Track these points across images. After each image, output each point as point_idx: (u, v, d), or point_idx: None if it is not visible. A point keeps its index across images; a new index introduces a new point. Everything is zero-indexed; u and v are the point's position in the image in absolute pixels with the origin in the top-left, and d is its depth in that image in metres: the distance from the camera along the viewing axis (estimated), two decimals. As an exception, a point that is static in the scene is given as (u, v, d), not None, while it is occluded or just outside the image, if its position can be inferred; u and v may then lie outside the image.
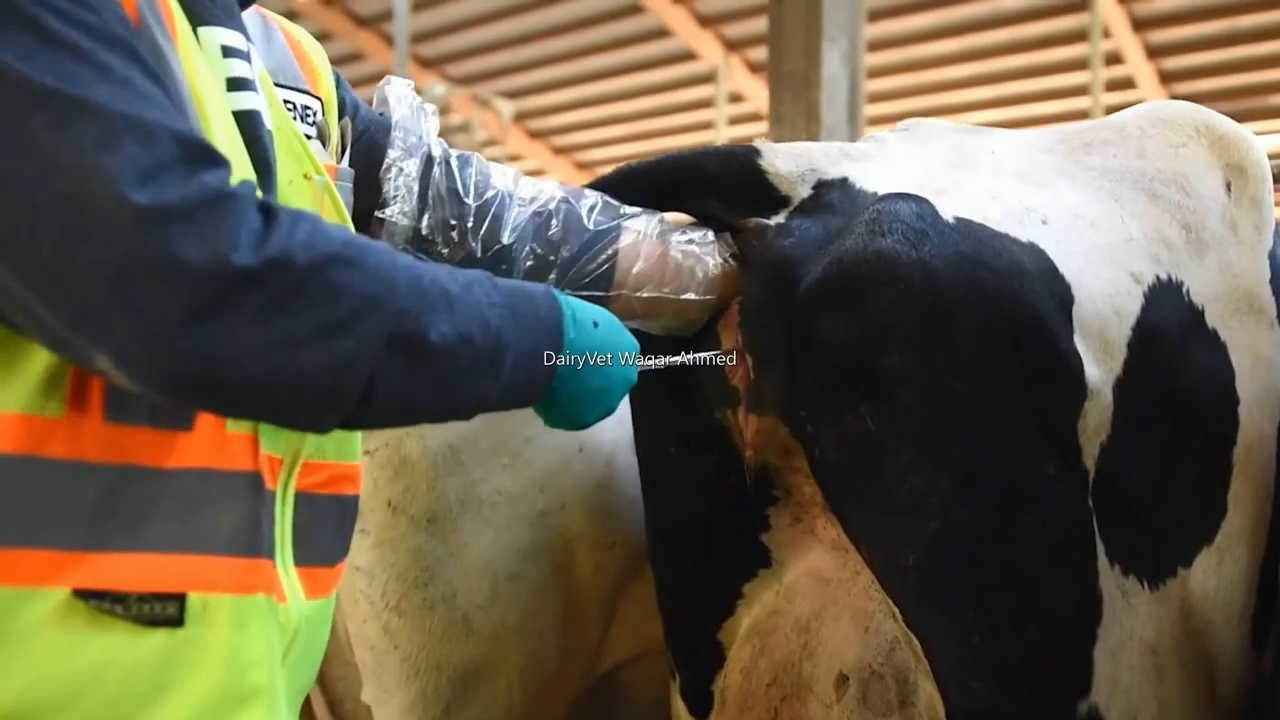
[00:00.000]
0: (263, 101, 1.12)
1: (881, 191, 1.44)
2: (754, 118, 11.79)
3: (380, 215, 1.34)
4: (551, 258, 1.44)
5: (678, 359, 1.44)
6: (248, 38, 1.14)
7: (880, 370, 1.35)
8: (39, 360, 0.94)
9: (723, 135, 11.31)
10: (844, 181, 1.48)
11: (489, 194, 1.43)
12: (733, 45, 11.38)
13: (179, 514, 0.97)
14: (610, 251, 1.47)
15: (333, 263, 0.93)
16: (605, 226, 1.48)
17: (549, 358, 1.13)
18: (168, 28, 1.00)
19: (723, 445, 1.55)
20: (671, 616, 1.71)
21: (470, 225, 1.39)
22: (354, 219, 1.28)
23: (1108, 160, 1.57)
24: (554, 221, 1.46)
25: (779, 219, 1.50)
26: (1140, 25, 10.06)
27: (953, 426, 1.37)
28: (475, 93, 12.10)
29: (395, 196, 1.35)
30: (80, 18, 0.90)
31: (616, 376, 1.21)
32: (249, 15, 1.23)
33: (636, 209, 1.53)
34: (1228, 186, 1.57)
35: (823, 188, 1.49)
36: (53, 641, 0.92)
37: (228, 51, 1.10)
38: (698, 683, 1.67)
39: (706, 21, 11.20)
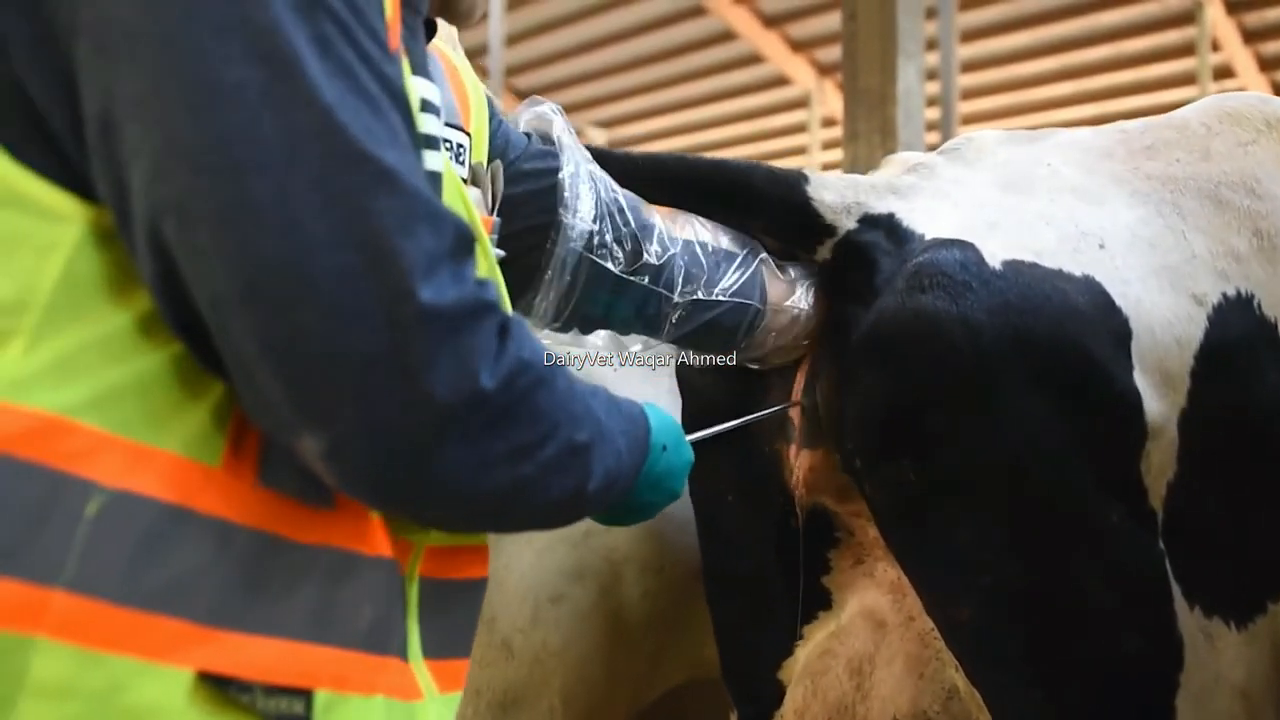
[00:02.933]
0: (442, 161, 1.05)
1: (928, 234, 1.39)
2: (848, 142, 11.66)
3: (564, 218, 1.31)
4: (698, 271, 1.42)
5: (744, 420, 1.46)
6: (439, 88, 1.08)
7: (922, 430, 1.32)
8: (209, 397, 0.85)
9: (816, 160, 11.23)
10: (890, 218, 1.43)
11: (636, 207, 1.41)
12: (825, 69, 11.31)
13: (319, 597, 0.88)
14: (756, 261, 1.45)
15: (539, 384, 0.90)
16: (739, 241, 1.47)
17: (633, 481, 1.11)
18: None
19: (783, 492, 1.52)
20: (728, 655, 1.67)
21: (637, 234, 1.38)
22: (512, 238, 1.29)
23: (1170, 166, 1.49)
24: (696, 236, 1.44)
25: (825, 253, 1.46)
26: (1252, 37, 9.71)
27: (1000, 484, 1.31)
28: (569, 122, 12.21)
29: (575, 199, 1.31)
30: (381, 69, 0.83)
31: (665, 494, 1.19)
32: None
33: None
34: None
35: (867, 223, 1.44)
36: None
37: (425, 106, 1.03)
38: (756, 719, 1.62)
39: (799, 46, 11.16)
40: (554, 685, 1.74)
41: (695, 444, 1.34)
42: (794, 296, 1.46)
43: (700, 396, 1.61)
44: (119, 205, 0.80)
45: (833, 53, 10.88)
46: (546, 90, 12.81)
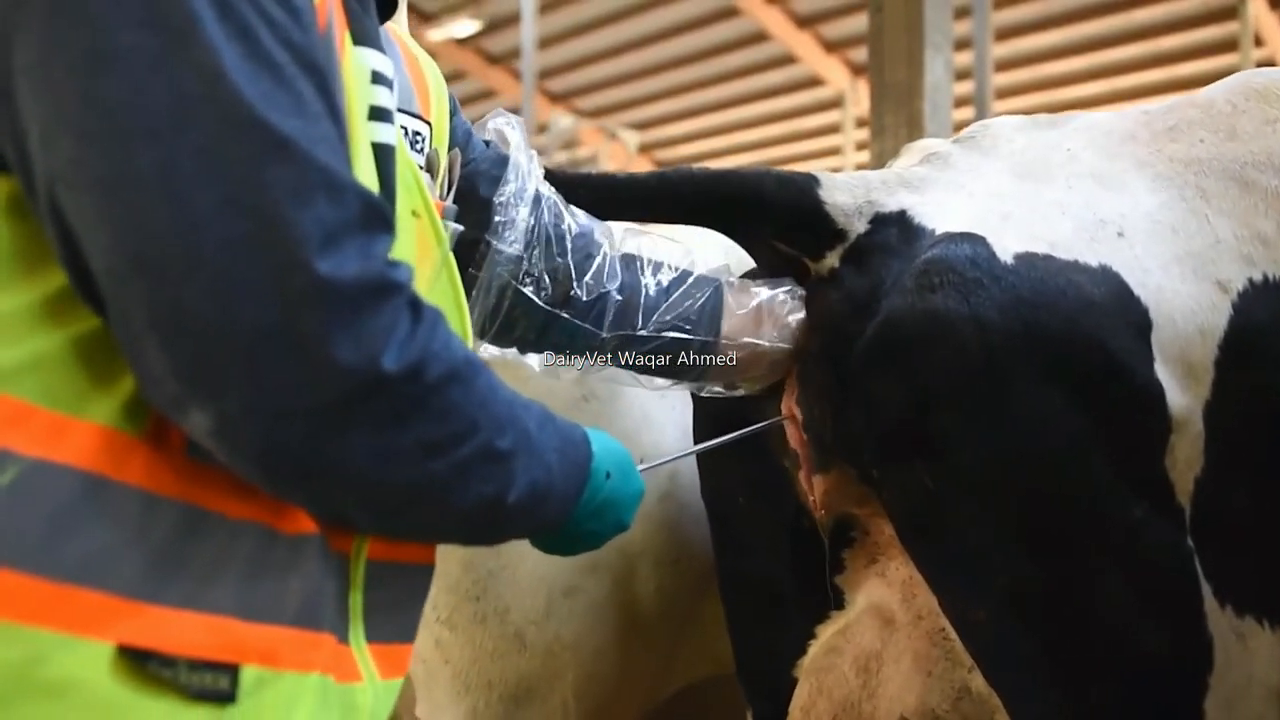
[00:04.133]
0: (395, 134, 1.02)
1: (940, 228, 1.36)
2: (883, 142, 11.61)
3: (492, 241, 1.28)
4: (639, 300, 1.38)
5: (729, 437, 1.43)
6: (393, 62, 1.05)
7: (935, 432, 1.28)
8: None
9: (850, 160, 11.20)
10: (902, 215, 1.40)
11: (584, 235, 1.38)
12: (859, 70, 11.28)
13: (246, 571, 0.85)
14: (709, 291, 1.41)
15: (453, 379, 0.87)
16: (689, 270, 1.43)
17: (570, 505, 1.07)
18: (338, 45, 0.91)
19: (795, 493, 1.49)
20: (743, 654, 1.65)
21: (571, 266, 1.34)
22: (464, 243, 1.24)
23: (1193, 147, 1.44)
24: (644, 265, 1.41)
25: (833, 260, 1.42)
26: (1294, 32, 9.57)
27: (1017, 484, 1.27)
28: (602, 125, 12.24)
29: (508, 225, 1.29)
30: (290, 36, 0.80)
31: (610, 525, 1.14)
32: None
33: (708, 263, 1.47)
34: None
35: (879, 223, 1.40)
36: (85, 704, 0.77)
37: (376, 77, 0.99)
38: (773, 716, 1.59)
39: (832, 47, 11.13)
40: (567, 679, 1.73)
41: (669, 462, 1.32)
42: (760, 330, 1.41)
43: (709, 405, 1.59)
44: (24, 175, 0.79)
45: (866, 53, 10.83)
46: (580, 93, 12.83)
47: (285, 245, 0.77)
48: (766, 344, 1.41)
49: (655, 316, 1.37)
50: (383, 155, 0.98)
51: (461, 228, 1.21)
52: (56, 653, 0.77)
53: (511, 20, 10.58)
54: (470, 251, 1.28)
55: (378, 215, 0.84)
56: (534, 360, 1.41)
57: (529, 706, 1.71)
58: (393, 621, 1.02)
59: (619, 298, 1.36)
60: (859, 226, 1.41)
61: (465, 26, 12.29)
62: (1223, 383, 1.31)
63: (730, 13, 10.83)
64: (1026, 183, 1.44)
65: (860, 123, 11.54)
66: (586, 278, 1.34)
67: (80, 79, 0.75)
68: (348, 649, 0.96)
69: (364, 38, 1.00)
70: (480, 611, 1.68)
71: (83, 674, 0.77)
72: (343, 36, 0.94)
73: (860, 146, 11.62)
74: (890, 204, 1.42)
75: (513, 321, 1.33)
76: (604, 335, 1.36)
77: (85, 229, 0.77)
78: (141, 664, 0.79)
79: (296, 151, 0.78)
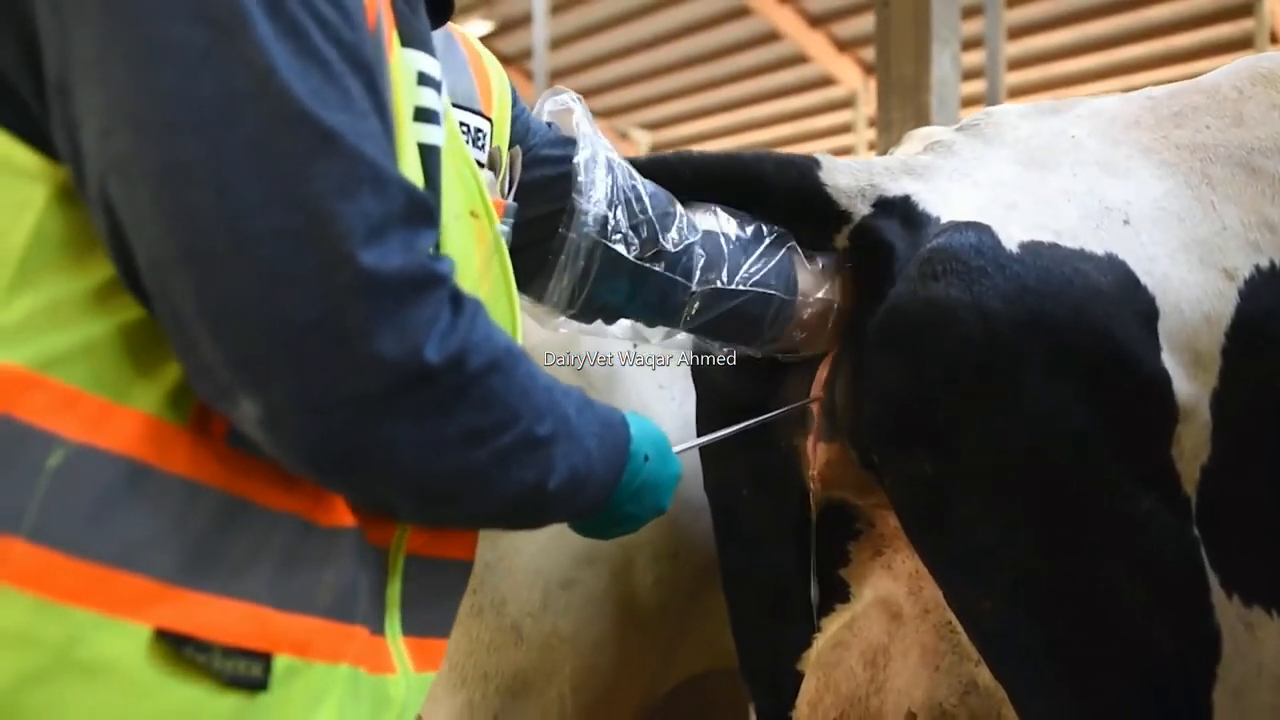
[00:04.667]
0: (443, 135, 1.04)
1: (945, 216, 1.35)
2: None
3: (577, 202, 1.28)
4: (723, 254, 1.39)
5: (741, 425, 1.43)
6: (439, 63, 1.07)
7: (938, 421, 1.27)
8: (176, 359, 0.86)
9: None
10: (905, 201, 1.38)
11: (657, 195, 1.38)
12: (871, 69, 11.22)
13: (282, 562, 0.87)
14: (784, 249, 1.42)
15: (494, 369, 0.89)
16: (766, 231, 1.43)
17: (609, 489, 1.09)
18: (387, 45, 0.93)
19: (800, 485, 1.48)
20: (746, 649, 1.64)
21: (654, 221, 1.35)
22: (529, 224, 1.28)
23: (1199, 134, 1.42)
24: (720, 223, 1.42)
25: (842, 241, 1.42)
26: (1310, 30, 9.50)
27: (1021, 475, 1.26)
28: (614, 125, 12.24)
29: (590, 185, 1.29)
30: (339, 34, 0.82)
31: (648, 508, 1.17)
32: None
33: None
34: None
35: (882, 206, 1.39)
36: (121, 685, 0.79)
37: (423, 79, 1.02)
38: (776, 712, 1.59)
39: (844, 46, 11.11)
40: (564, 672, 1.71)
41: (706, 444, 1.32)
42: (825, 288, 1.43)
43: (716, 395, 1.58)
44: (76, 166, 0.81)
45: (877, 51, 10.81)
46: (591, 93, 12.83)
47: (331, 238, 0.78)
48: (837, 300, 1.43)
49: (741, 271, 1.38)
50: (428, 155, 1.00)
51: (508, 229, 1.23)
52: (95, 633, 0.79)
53: (523, 21, 10.59)
54: (550, 224, 1.29)
55: (422, 209, 0.85)
56: (618, 330, 1.43)
57: (526, 699, 1.70)
58: (429, 615, 1.04)
59: (702, 252, 1.36)
60: (862, 208, 1.40)
61: (478, 27, 12.33)
62: (1230, 371, 1.29)
63: (742, 12, 10.82)
64: (1031, 170, 1.42)
65: (872, 122, 11.50)
66: (671, 232, 1.35)
67: (135, 72, 0.76)
68: (383, 640, 0.97)
69: (412, 39, 1.01)
70: (477, 604, 1.67)
71: (120, 655, 0.79)
72: (391, 37, 0.95)
73: (873, 146, 11.59)
74: (894, 189, 1.40)
75: (604, 284, 1.33)
76: (694, 286, 1.36)
77: (136, 220, 0.78)
78: (177, 648, 0.81)
79: (343, 146, 0.80)
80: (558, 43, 11.05)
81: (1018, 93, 10.13)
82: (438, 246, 1.00)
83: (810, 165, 1.43)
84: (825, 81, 11.55)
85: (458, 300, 0.87)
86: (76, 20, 0.77)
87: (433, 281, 0.84)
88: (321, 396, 0.80)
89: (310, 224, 0.78)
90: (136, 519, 0.81)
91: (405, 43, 1.00)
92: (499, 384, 0.89)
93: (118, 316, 0.83)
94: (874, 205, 1.40)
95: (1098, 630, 1.28)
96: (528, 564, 1.68)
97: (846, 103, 11.66)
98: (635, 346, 1.78)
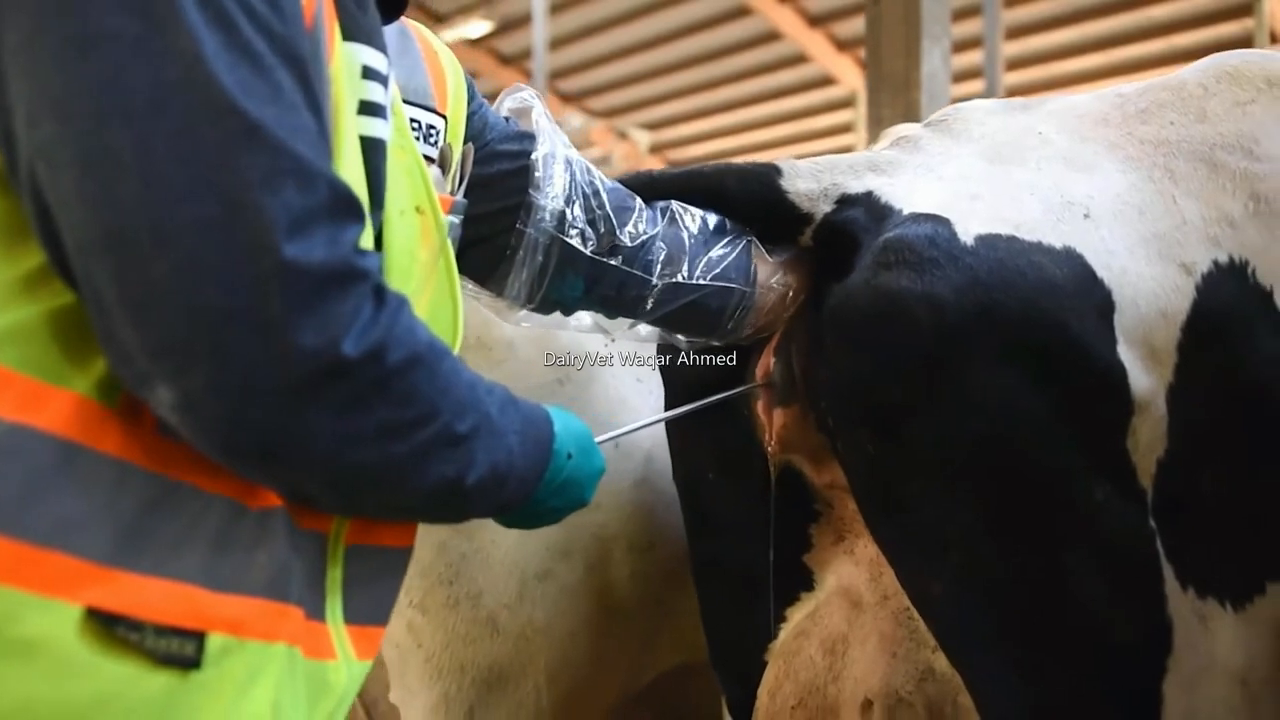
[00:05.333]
0: (389, 129, 1.05)
1: (907, 209, 1.36)
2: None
3: (534, 198, 1.31)
4: (683, 247, 1.41)
5: (713, 399, 1.46)
6: (388, 58, 1.08)
7: (884, 407, 1.30)
8: None
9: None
10: (868, 196, 1.40)
11: (616, 190, 1.40)
12: (871, 68, 11.23)
13: (215, 542, 0.88)
14: (743, 243, 1.44)
15: (414, 364, 0.90)
16: (725, 224, 1.46)
17: (532, 485, 1.10)
18: (328, 40, 0.94)
19: (763, 466, 1.50)
20: (715, 637, 1.66)
21: (612, 217, 1.37)
22: (485, 217, 1.29)
23: (1163, 129, 1.43)
24: (680, 218, 1.43)
25: (807, 240, 1.44)
26: (1309, 29, 9.49)
27: (968, 462, 1.27)
28: (614, 125, 12.24)
29: (546, 181, 1.31)
30: (270, 27, 0.83)
31: (571, 501, 1.18)
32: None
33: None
34: None
35: (845, 203, 1.41)
36: (52, 663, 0.80)
37: (367, 73, 1.02)
38: (746, 701, 1.60)
39: (844, 46, 11.10)
40: (540, 664, 1.72)
41: (624, 434, 1.34)
42: (780, 274, 1.45)
43: (683, 387, 1.59)
44: (8, 152, 0.82)
45: (876, 51, 10.80)
46: (591, 94, 12.83)
47: (253, 228, 0.79)
48: (793, 283, 1.45)
49: (700, 265, 1.39)
50: (372, 149, 1.01)
51: (457, 220, 1.23)
52: (26, 612, 0.79)
53: (523, 21, 10.60)
54: (507, 218, 1.31)
55: (348, 204, 0.86)
56: (582, 320, 1.44)
57: (501, 691, 1.71)
58: (369, 602, 1.05)
59: (663, 245, 1.38)
60: (824, 207, 1.42)
61: (477, 27, 12.33)
62: (1185, 365, 1.30)
63: (742, 12, 10.82)
64: (996, 165, 1.43)
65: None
66: (628, 226, 1.36)
67: (64, 61, 0.78)
68: (324, 626, 0.98)
69: (356, 33, 1.02)
70: (453, 596, 1.68)
71: (51, 634, 0.80)
72: (332, 30, 0.96)
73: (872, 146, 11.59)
74: (856, 186, 1.42)
75: (561, 278, 1.34)
76: (654, 281, 1.38)
77: (62, 206, 0.79)
78: (109, 627, 0.82)
79: (269, 138, 0.81)
80: (557, 43, 11.05)
81: (1017, 92, 10.12)
82: (376, 241, 1.01)
83: (771, 174, 1.44)
84: (825, 81, 11.54)
85: (380, 295, 0.87)
86: (9, 8, 0.79)
87: (354, 275, 0.84)
88: (239, 385, 0.81)
89: (233, 214, 0.79)
90: (68, 499, 0.81)
91: (348, 36, 1.00)
92: (419, 379, 0.90)
93: (50, 302, 0.84)
94: (836, 203, 1.41)
95: (1047, 617, 1.29)
96: (504, 556, 1.70)
97: (847, 102, 11.66)
98: (612, 340, 1.80)
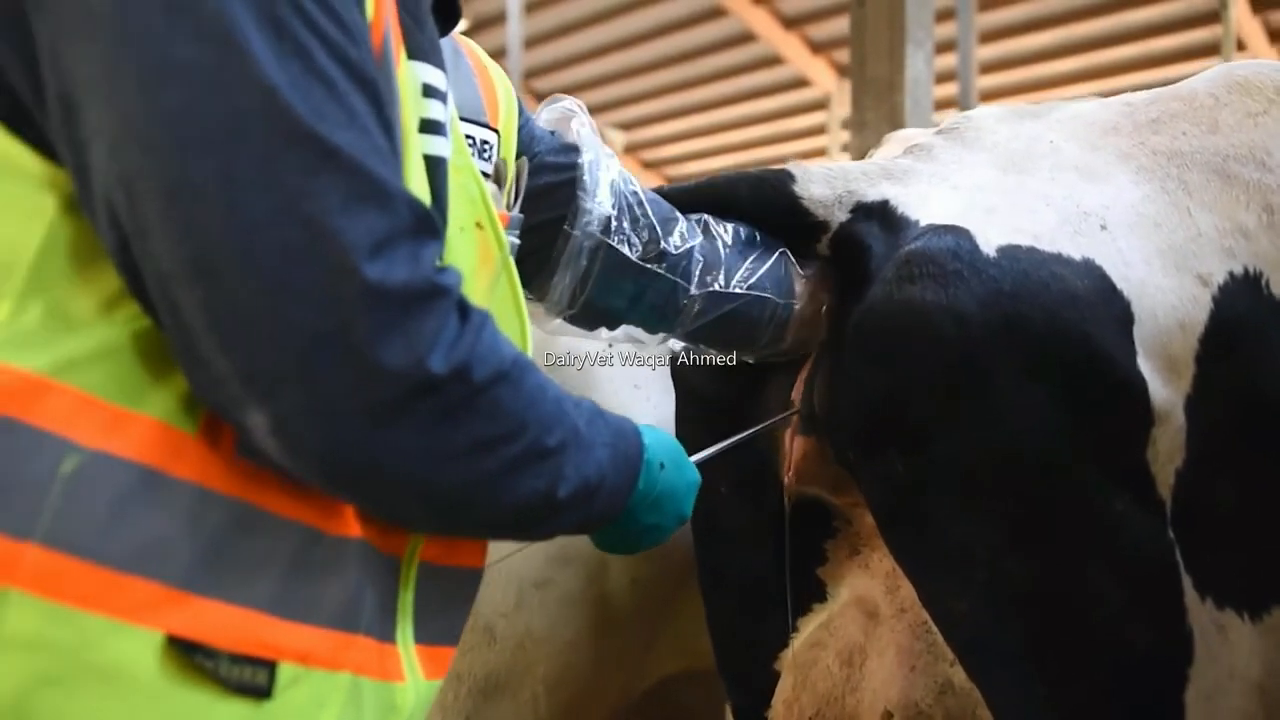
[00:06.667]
0: (450, 147, 1.05)
1: (924, 219, 1.35)
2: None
3: (583, 201, 1.30)
4: (720, 258, 1.41)
5: (749, 432, 1.43)
6: (446, 74, 1.08)
7: (911, 423, 1.28)
8: None
9: (836, 162, 11.18)
10: (884, 205, 1.39)
11: (656, 200, 1.40)
12: (846, 71, 11.26)
13: (289, 569, 0.88)
14: (776, 254, 1.43)
15: (501, 380, 0.90)
16: (759, 237, 1.45)
17: (623, 498, 1.09)
18: (395, 59, 0.95)
19: (778, 485, 1.49)
20: (723, 647, 1.64)
21: (656, 224, 1.37)
22: (532, 230, 1.28)
23: (1175, 140, 1.43)
24: (714, 230, 1.43)
25: (823, 249, 1.43)
26: (1278, 36, 9.59)
27: (996, 477, 1.27)
28: (588, 125, 12.20)
29: (596, 185, 1.32)
30: (344, 53, 0.84)
31: (671, 516, 1.17)
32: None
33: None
34: None
35: (861, 212, 1.40)
36: (131, 690, 0.80)
37: (428, 91, 1.03)
38: (753, 711, 1.60)
39: (818, 48, 11.13)
40: (537, 672, 1.70)
41: (717, 453, 1.33)
42: (814, 292, 1.45)
43: (696, 396, 1.58)
44: (81, 180, 0.82)
45: (852, 53, 10.84)
46: (566, 92, 12.77)
47: (336, 252, 0.80)
48: (824, 305, 1.44)
49: (738, 274, 1.40)
50: (434, 167, 1.01)
51: (518, 241, 1.24)
52: (108, 638, 0.79)
53: (498, 19, 10.55)
54: (554, 228, 1.31)
55: (426, 223, 0.87)
56: (619, 334, 1.44)
57: (499, 700, 1.69)
58: (440, 623, 1.05)
59: (700, 256, 1.38)
60: (840, 216, 1.41)
61: (452, 24, 12.24)
62: (1203, 376, 1.30)
63: (717, 13, 10.82)
64: (1010, 175, 1.43)
65: (847, 125, 11.54)
66: (673, 235, 1.36)
67: (143, 92, 0.78)
68: (394, 648, 0.98)
69: (417, 52, 1.02)
70: None
71: (132, 660, 0.80)
72: (398, 52, 0.96)
73: (847, 148, 11.62)
74: (872, 194, 1.41)
75: (607, 285, 1.35)
76: (693, 289, 1.37)
77: (142, 236, 0.80)
78: (188, 654, 0.82)
79: (347, 162, 0.81)
80: (532, 41, 11.01)
81: (993, 95, 10.18)
82: (443, 259, 1.01)
83: (784, 180, 1.44)
84: (799, 83, 11.56)
85: (464, 311, 0.88)
86: (82, 39, 0.79)
87: (438, 293, 0.85)
88: (330, 407, 0.81)
89: (316, 239, 0.79)
90: (149, 524, 0.81)
91: (411, 55, 1.01)
92: (505, 394, 0.91)
93: (129, 325, 0.84)
94: (851, 211, 1.41)
95: (1072, 631, 1.29)
96: (503, 564, 1.67)
97: (820, 105, 11.68)
98: (610, 346, 1.78)
